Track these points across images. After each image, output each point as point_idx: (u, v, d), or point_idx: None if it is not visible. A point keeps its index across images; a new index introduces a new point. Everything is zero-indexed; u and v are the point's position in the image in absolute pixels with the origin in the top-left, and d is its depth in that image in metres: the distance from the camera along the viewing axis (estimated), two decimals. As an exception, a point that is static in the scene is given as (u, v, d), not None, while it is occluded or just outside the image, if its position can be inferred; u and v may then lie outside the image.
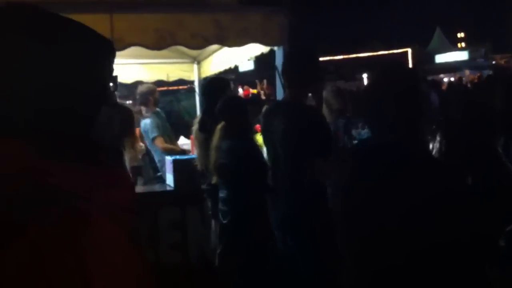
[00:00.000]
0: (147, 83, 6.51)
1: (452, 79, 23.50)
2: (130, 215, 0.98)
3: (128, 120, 4.18)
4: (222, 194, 3.91)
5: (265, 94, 16.15)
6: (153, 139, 5.64)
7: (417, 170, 1.87)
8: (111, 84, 1.05)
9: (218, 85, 4.62)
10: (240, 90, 16.14)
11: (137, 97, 6.06)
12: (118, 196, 0.96)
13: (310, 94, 3.71)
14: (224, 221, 3.89)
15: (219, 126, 3.94)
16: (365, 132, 4.93)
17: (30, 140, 0.90)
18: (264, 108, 4.53)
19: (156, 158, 5.77)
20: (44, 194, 0.83)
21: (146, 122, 5.71)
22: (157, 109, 5.98)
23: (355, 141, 5.13)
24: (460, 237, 1.82)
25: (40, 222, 0.81)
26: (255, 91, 17.94)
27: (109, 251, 0.86)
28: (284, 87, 4.65)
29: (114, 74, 1.06)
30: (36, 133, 0.92)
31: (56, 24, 0.97)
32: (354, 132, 5.43)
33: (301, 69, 3.51)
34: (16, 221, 0.80)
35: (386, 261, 1.85)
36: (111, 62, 1.04)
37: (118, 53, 1.06)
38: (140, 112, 5.97)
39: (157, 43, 4.44)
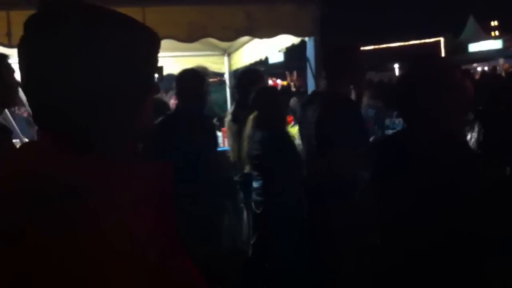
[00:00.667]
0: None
1: (486, 68, 23.03)
2: (136, 213, 0.94)
3: (164, 112, 4.23)
4: (256, 184, 3.91)
5: (295, 86, 16.13)
6: None
7: (417, 169, 1.85)
8: (156, 75, 1.01)
9: (252, 77, 4.60)
10: (270, 82, 16.11)
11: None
12: (123, 194, 0.93)
13: (351, 86, 3.62)
14: (258, 211, 3.89)
15: (251, 116, 3.95)
16: (399, 121, 4.88)
17: (39, 137, 0.90)
18: (295, 99, 4.50)
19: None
20: (46, 193, 0.82)
21: None
22: None
23: (389, 131, 5.10)
24: (461, 236, 1.81)
25: (41, 221, 0.80)
26: (285, 82, 17.93)
27: (110, 251, 0.84)
28: (315, 77, 4.62)
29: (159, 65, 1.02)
30: (48, 129, 0.91)
31: (103, 17, 0.94)
32: (388, 121, 5.38)
33: (340, 60, 3.43)
34: (17, 220, 0.80)
35: (386, 261, 1.85)
36: (157, 53, 1.00)
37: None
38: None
39: (188, 35, 4.46)
